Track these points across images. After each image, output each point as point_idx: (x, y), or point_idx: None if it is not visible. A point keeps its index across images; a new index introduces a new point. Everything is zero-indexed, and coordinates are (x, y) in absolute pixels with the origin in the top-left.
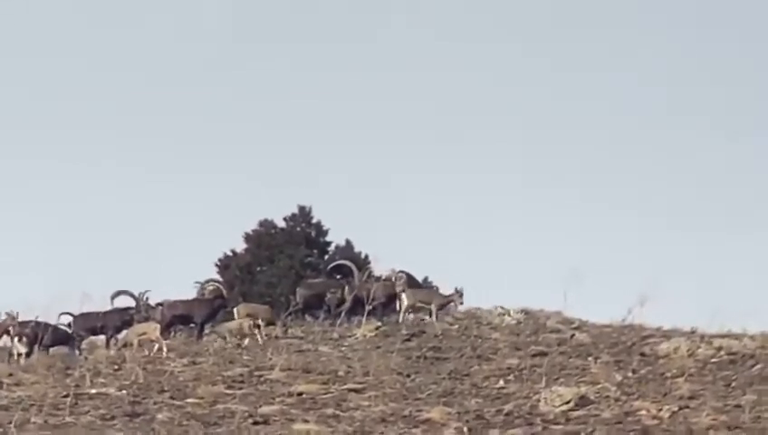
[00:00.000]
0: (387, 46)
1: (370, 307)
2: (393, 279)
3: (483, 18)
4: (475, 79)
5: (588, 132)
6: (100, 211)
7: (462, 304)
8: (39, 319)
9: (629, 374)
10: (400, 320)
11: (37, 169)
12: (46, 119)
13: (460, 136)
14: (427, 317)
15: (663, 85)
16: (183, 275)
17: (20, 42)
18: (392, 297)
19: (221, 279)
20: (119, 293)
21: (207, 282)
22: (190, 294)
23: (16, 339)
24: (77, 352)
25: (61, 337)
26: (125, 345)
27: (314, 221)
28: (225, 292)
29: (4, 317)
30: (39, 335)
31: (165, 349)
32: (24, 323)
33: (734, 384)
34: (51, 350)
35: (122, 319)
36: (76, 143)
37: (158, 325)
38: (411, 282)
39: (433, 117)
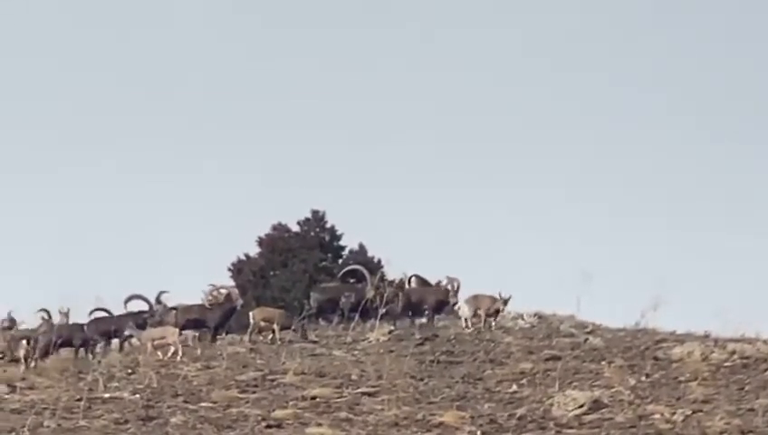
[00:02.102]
0: (394, 46)
1: (383, 310)
2: (404, 282)
3: (482, 18)
4: (481, 79)
5: (598, 133)
6: (114, 214)
7: (502, 311)
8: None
9: (643, 378)
10: (468, 326)
11: (48, 169)
12: (52, 119)
13: (471, 138)
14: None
15: (668, 85)
16: (196, 278)
17: (20, 42)
18: (442, 303)
19: (234, 283)
20: (132, 297)
21: (217, 289)
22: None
23: (24, 342)
24: (90, 356)
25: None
26: (139, 340)
27: (328, 225)
28: (236, 296)
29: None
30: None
31: (180, 353)
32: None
33: (747, 388)
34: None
35: (136, 323)
36: (85, 144)
37: (177, 330)
38: (422, 284)
39: (444, 120)
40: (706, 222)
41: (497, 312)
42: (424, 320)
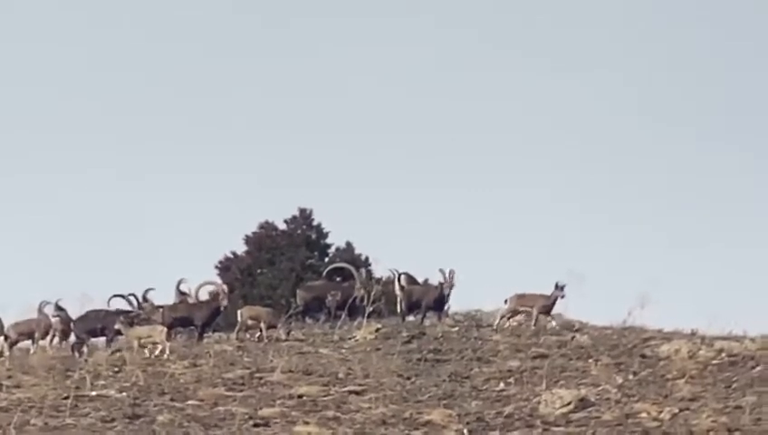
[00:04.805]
0: (384, 46)
1: (370, 309)
2: (392, 280)
3: (481, 18)
4: (472, 78)
5: (588, 133)
6: (100, 212)
7: (564, 296)
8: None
9: (630, 376)
10: (498, 325)
11: (37, 168)
12: (46, 118)
13: (460, 137)
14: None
15: (663, 87)
16: (183, 276)
17: (21, 42)
18: (441, 301)
19: (220, 281)
20: (115, 297)
21: (202, 285)
22: (189, 297)
23: (1, 339)
24: (77, 354)
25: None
26: (127, 336)
27: (315, 223)
28: (223, 294)
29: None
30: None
31: (167, 352)
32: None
33: (734, 386)
34: None
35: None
36: (76, 143)
37: (165, 329)
38: (411, 283)
39: (433, 118)
40: (694, 221)
41: (548, 307)
42: (411, 318)
